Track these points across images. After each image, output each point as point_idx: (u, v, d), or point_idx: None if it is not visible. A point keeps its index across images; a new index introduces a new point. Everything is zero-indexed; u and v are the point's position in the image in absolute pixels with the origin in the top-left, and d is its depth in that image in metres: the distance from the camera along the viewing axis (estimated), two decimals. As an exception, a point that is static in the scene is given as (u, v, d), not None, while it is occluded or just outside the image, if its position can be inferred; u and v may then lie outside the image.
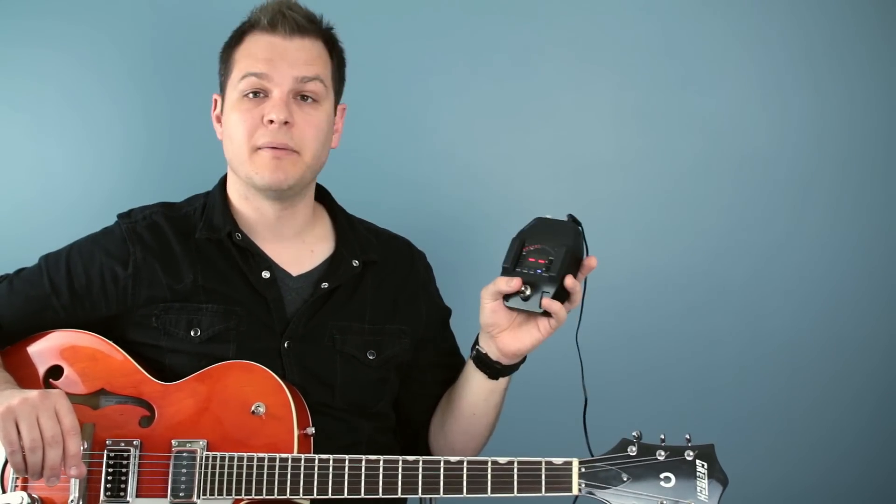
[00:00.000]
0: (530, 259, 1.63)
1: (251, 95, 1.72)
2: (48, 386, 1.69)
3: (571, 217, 1.66)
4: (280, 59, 1.72)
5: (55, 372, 1.69)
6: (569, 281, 1.61)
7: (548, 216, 1.67)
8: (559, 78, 2.35)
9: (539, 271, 1.62)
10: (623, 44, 2.34)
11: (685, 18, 2.35)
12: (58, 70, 2.29)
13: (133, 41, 2.30)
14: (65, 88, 2.29)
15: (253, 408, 1.61)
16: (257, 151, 1.71)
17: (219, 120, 1.80)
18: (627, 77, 2.35)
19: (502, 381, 1.76)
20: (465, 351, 1.84)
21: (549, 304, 1.61)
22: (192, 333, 1.71)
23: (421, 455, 1.58)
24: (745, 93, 2.35)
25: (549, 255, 1.62)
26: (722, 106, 2.35)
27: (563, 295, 1.62)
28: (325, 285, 1.77)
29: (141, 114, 2.31)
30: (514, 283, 1.63)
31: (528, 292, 1.62)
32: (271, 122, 1.69)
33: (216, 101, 1.81)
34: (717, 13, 2.35)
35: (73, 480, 1.61)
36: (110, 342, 1.71)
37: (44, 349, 1.71)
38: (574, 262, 1.64)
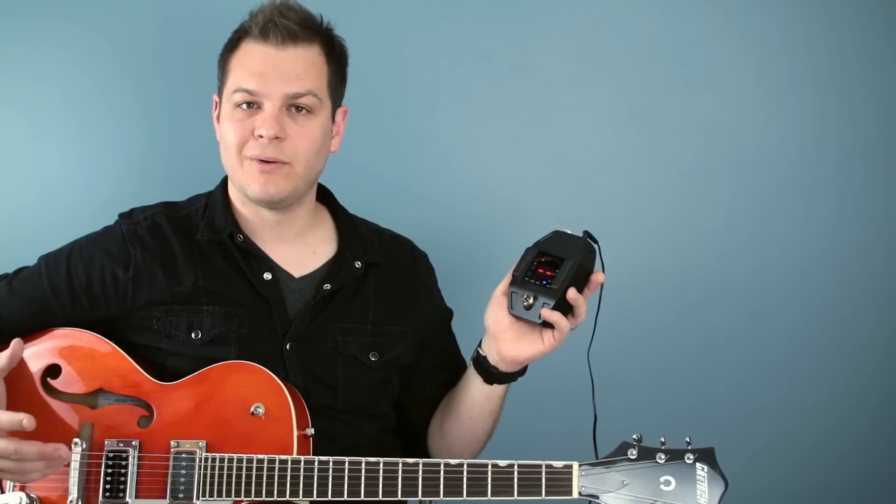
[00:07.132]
0: (539, 270, 1.64)
1: (244, 106, 1.70)
2: (45, 385, 1.68)
3: (587, 234, 1.67)
4: (271, 72, 1.69)
5: (53, 371, 1.68)
6: (571, 293, 1.61)
7: (566, 230, 1.68)
8: (559, 79, 2.34)
9: (544, 282, 1.63)
10: (622, 44, 2.34)
11: (685, 19, 2.34)
12: (57, 70, 2.28)
13: (132, 41, 2.29)
14: (64, 88, 2.28)
15: (252, 408, 1.61)
16: (247, 161, 1.70)
17: (219, 120, 1.78)
18: (627, 77, 2.35)
19: (499, 388, 1.75)
20: (468, 353, 1.84)
21: (548, 314, 1.61)
22: (192, 336, 1.70)
23: (420, 456, 1.57)
24: (745, 93, 2.35)
25: (556, 267, 1.63)
26: (722, 106, 2.35)
27: (565, 307, 1.63)
28: (327, 287, 1.76)
29: (140, 114, 2.30)
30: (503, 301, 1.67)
31: (530, 301, 1.63)
32: (261, 136, 1.68)
33: (216, 101, 1.80)
34: (717, 13, 2.34)
35: (71, 481, 1.61)
36: (109, 341, 1.70)
37: (42, 348, 1.70)
38: (582, 277, 1.64)
